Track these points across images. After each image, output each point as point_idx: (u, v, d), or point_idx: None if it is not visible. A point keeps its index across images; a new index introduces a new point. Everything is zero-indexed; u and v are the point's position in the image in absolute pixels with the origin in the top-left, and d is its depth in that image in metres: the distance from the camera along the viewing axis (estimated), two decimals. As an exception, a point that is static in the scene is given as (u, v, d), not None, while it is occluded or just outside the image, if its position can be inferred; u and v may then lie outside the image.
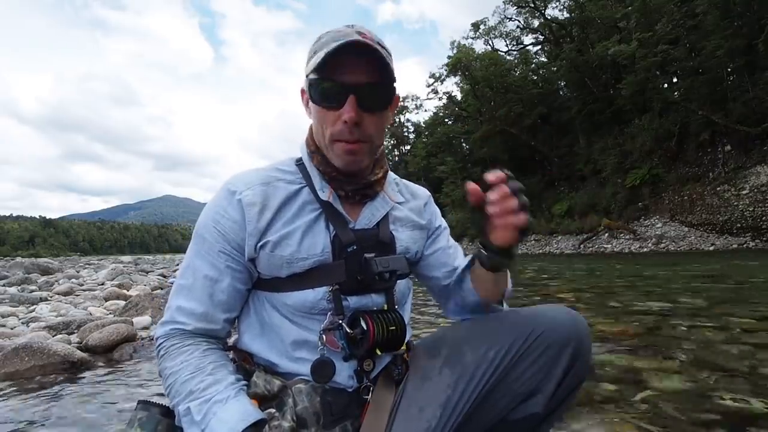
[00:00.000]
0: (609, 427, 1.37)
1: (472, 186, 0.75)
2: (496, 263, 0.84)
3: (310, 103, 0.83)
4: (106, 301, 4.81)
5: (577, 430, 1.35)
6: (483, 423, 0.85)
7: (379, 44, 0.79)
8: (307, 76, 0.82)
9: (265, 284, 0.87)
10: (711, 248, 15.07)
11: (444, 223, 1.07)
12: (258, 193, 0.83)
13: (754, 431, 1.31)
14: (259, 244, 0.82)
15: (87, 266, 14.95)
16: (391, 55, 0.82)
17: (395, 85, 0.83)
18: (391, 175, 0.99)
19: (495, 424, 0.86)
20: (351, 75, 0.77)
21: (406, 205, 0.98)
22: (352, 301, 0.85)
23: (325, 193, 0.86)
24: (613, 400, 1.59)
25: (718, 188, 16.73)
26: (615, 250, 17.81)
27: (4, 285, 6.82)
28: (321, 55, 0.75)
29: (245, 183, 0.85)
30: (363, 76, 0.78)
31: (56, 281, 7.45)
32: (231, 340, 0.93)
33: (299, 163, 0.91)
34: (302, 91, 0.87)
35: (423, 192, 1.06)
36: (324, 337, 0.82)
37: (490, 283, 0.91)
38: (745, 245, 14.72)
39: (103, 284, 7.04)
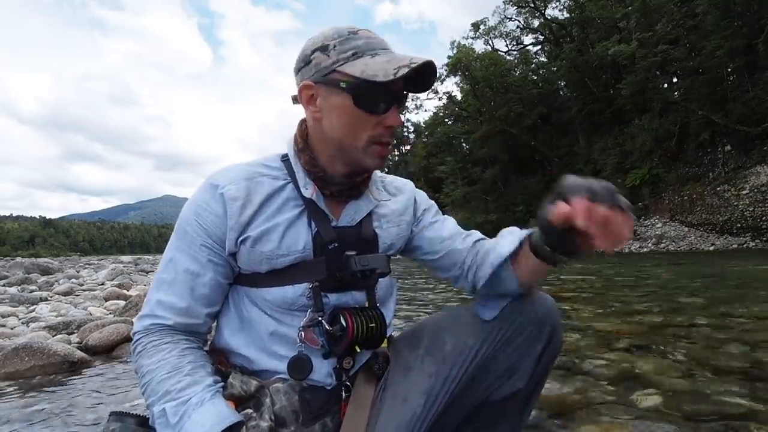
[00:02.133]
0: (608, 428, 1.37)
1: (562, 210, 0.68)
2: (563, 262, 0.81)
3: (349, 107, 0.78)
4: (106, 301, 4.81)
5: (576, 431, 1.36)
6: (468, 404, 0.88)
7: None
8: (331, 73, 0.79)
9: (244, 279, 0.86)
10: (711, 248, 15.07)
11: (429, 204, 1.04)
12: (241, 188, 0.83)
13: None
14: (240, 239, 0.82)
15: (87, 266, 14.95)
16: None
17: None
18: (376, 173, 0.97)
19: (480, 406, 0.89)
20: (399, 84, 0.81)
21: (392, 201, 0.97)
22: (333, 299, 0.85)
23: (309, 191, 0.85)
24: (612, 400, 1.59)
25: (718, 188, 16.74)
26: (615, 249, 17.78)
27: (4, 285, 6.82)
28: (390, 69, 0.75)
29: (228, 178, 0.84)
30: (404, 86, 0.82)
31: (56, 281, 7.45)
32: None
33: (285, 159, 0.90)
34: (308, 87, 0.81)
35: (407, 185, 1.04)
36: (303, 333, 0.82)
37: (536, 271, 0.87)
38: (745, 245, 14.73)
39: (103, 284, 7.05)
